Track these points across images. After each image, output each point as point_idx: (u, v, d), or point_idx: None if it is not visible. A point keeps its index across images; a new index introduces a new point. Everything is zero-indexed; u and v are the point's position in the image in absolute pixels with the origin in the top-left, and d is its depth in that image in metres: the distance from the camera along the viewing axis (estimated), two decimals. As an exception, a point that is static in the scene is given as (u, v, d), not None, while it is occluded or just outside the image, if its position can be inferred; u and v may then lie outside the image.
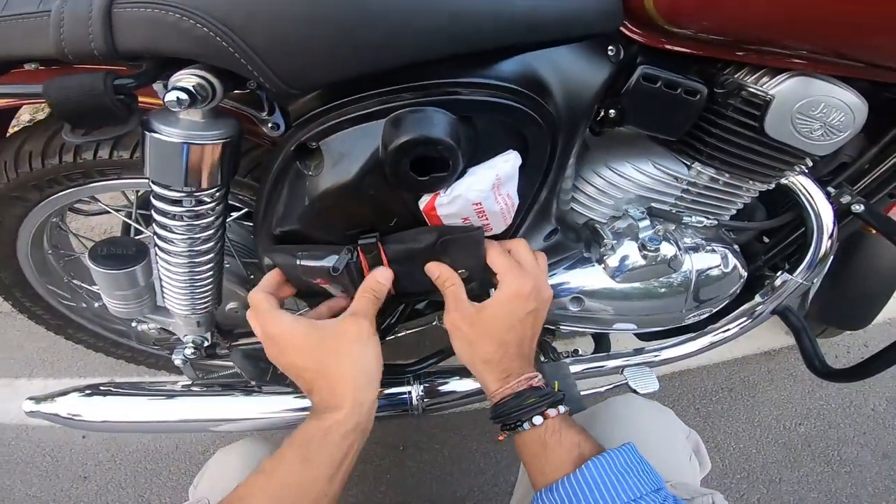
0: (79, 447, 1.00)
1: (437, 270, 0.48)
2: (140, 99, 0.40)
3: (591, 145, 0.62)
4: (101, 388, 0.72)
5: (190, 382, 0.74)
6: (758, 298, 0.77)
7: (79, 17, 0.33)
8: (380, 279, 0.47)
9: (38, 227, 0.66)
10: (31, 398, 0.70)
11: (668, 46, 0.49)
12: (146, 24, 0.34)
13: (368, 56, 0.38)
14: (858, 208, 0.67)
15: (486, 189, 0.43)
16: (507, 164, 0.43)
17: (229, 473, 0.58)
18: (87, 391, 0.71)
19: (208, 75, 0.36)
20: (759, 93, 0.50)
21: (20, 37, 0.36)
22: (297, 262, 0.47)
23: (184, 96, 0.34)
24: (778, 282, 0.74)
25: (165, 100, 0.34)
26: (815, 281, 0.74)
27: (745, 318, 0.79)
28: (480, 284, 0.51)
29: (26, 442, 1.00)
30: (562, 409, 0.46)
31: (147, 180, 0.54)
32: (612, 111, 0.53)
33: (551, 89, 0.47)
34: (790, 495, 0.98)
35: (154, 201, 0.43)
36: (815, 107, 0.51)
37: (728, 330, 0.80)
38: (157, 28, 0.34)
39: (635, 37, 0.49)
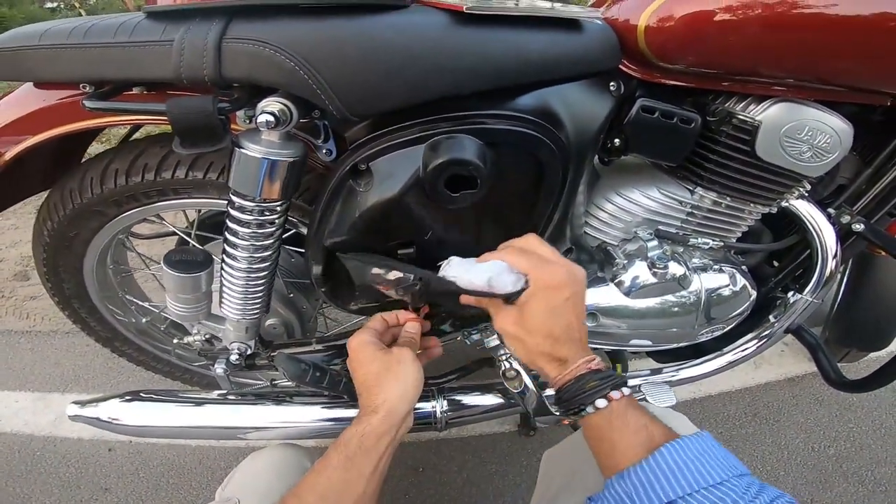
0: (104, 459, 1.03)
1: (472, 299, 0.51)
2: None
3: (601, 174, 0.69)
4: (142, 394, 0.77)
5: (225, 392, 0.79)
6: (771, 318, 0.80)
7: (196, 46, 0.42)
8: (410, 330, 0.57)
9: (106, 243, 0.75)
10: (75, 402, 0.74)
11: (663, 80, 0.56)
12: (247, 56, 0.43)
13: (412, 90, 0.47)
14: (859, 227, 0.71)
15: (482, 284, 0.48)
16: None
17: (259, 475, 0.61)
18: (128, 397, 0.76)
19: (288, 102, 0.45)
20: (747, 119, 0.56)
21: (144, 61, 0.44)
22: (371, 270, 0.54)
23: (271, 119, 0.43)
24: (789, 301, 0.78)
25: (258, 120, 0.43)
26: (823, 299, 0.76)
27: (760, 338, 0.81)
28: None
29: (52, 453, 1.04)
30: (626, 391, 0.45)
31: (209, 200, 0.63)
32: (616, 140, 0.60)
33: (563, 121, 0.55)
34: (826, 515, 0.96)
35: (230, 210, 0.51)
36: (800, 130, 0.56)
37: (745, 349, 0.82)
38: (256, 60, 0.43)
39: (633, 73, 0.56)
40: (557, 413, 0.47)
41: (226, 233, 0.53)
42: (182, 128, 0.41)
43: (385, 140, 0.50)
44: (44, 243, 0.72)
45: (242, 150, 0.45)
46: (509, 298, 0.48)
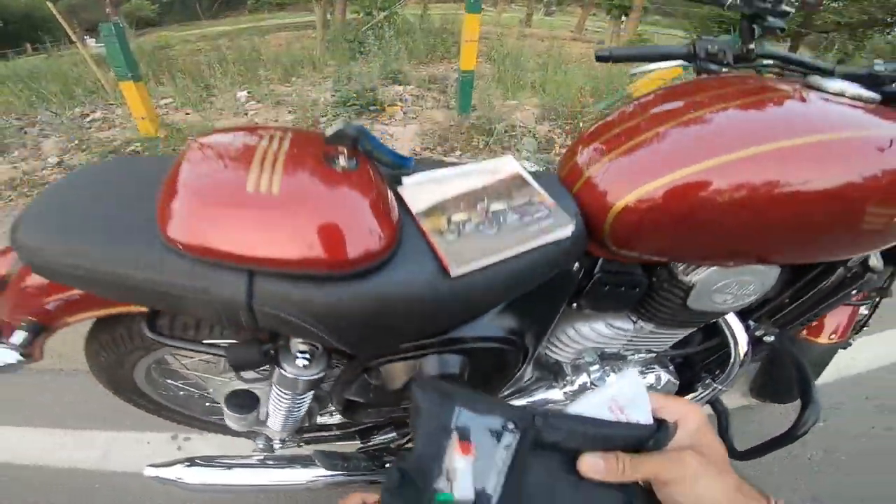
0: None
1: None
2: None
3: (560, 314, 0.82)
4: (197, 460, 0.98)
5: (262, 456, 1.01)
6: (693, 396, 1.00)
7: (232, 307, 0.48)
8: None
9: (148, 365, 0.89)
10: (151, 465, 0.96)
11: (620, 259, 0.66)
12: (277, 321, 0.49)
13: (409, 337, 0.59)
14: (770, 338, 0.86)
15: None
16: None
17: None
18: (187, 463, 0.97)
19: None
20: (684, 280, 0.67)
21: (184, 304, 0.49)
22: None
23: (307, 362, 0.60)
24: (707, 386, 0.98)
25: (297, 363, 0.60)
26: (730, 385, 0.95)
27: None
28: None
29: (105, 486, 1.20)
30: None
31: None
32: (574, 305, 0.74)
33: (523, 328, 0.68)
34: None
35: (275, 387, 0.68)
36: (729, 286, 0.67)
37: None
38: (285, 324, 0.50)
39: (596, 255, 0.66)
40: None
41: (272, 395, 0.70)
42: (238, 365, 0.59)
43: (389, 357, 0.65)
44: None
45: (282, 371, 0.62)
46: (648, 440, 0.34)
